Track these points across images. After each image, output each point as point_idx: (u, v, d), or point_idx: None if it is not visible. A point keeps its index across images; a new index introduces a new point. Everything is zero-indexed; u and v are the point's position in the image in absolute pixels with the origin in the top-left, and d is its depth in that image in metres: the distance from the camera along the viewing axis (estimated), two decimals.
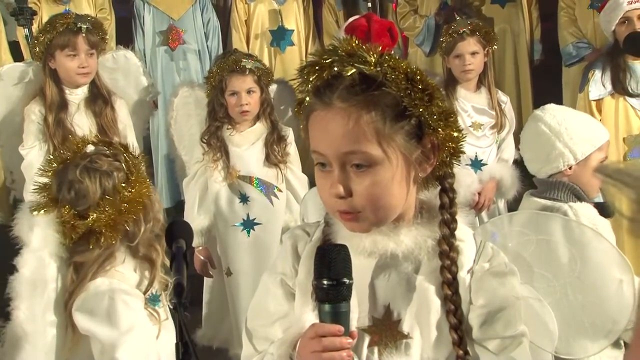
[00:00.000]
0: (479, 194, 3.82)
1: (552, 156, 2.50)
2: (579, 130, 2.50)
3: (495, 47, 4.09)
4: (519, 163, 3.74)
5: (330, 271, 1.30)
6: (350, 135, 1.33)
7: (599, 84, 4.01)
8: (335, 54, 1.35)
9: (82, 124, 3.57)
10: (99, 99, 3.63)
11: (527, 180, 3.26)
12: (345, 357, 1.30)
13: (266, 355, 1.44)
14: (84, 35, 3.48)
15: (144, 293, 2.12)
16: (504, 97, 4.07)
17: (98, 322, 2.02)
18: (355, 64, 1.33)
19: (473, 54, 3.85)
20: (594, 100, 4.05)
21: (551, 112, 2.53)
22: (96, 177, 2.08)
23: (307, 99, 1.40)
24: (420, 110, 1.35)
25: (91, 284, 2.06)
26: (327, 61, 1.35)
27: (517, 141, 3.79)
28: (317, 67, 1.37)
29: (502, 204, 4.00)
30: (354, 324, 1.39)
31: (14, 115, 3.60)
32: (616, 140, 4.04)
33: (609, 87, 4.00)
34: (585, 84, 4.08)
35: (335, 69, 1.35)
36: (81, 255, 2.08)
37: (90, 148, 2.15)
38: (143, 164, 2.21)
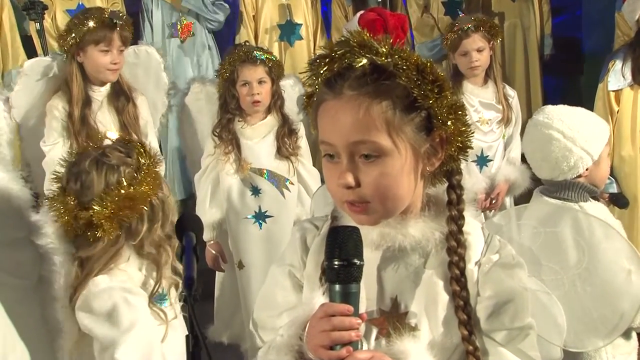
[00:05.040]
0: (488, 195, 3.84)
1: (572, 162, 2.45)
2: (589, 130, 2.47)
3: (500, 40, 4.07)
4: (524, 157, 3.75)
5: (342, 252, 1.31)
6: (360, 124, 1.33)
7: (618, 75, 3.98)
8: (347, 45, 1.35)
9: (105, 121, 3.56)
10: (122, 95, 3.62)
11: (535, 177, 3.26)
12: (354, 337, 1.30)
13: (277, 337, 1.43)
14: (118, 31, 3.48)
15: (151, 293, 2.10)
16: (511, 92, 4.07)
17: (98, 321, 2.01)
18: (367, 55, 1.34)
19: (479, 50, 3.85)
20: (613, 91, 4.03)
21: (557, 117, 2.48)
22: (102, 169, 2.08)
23: (317, 90, 1.41)
24: (430, 102, 1.35)
25: (91, 281, 2.06)
26: (338, 53, 1.36)
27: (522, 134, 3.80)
28: (328, 59, 1.37)
29: (508, 199, 4.01)
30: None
31: (36, 109, 3.59)
32: (632, 132, 4.04)
33: (628, 78, 3.97)
34: (605, 74, 4.05)
35: (347, 60, 1.35)
36: (85, 250, 2.08)
37: (108, 142, 2.17)
38: (159, 165, 2.20)
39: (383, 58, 1.33)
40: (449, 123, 1.37)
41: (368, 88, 1.34)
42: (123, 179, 2.07)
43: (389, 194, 1.37)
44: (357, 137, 1.34)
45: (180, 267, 2.12)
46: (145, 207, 2.09)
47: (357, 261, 1.31)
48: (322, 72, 1.38)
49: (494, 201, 3.88)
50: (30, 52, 4.99)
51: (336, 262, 1.31)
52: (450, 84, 1.41)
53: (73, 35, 3.46)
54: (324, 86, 1.39)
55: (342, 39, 1.37)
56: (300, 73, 1.45)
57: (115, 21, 3.47)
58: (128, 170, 2.09)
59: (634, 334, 2.42)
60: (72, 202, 2.07)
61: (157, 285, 2.11)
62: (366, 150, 1.35)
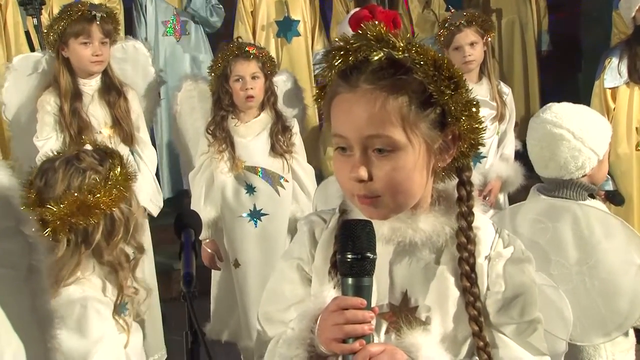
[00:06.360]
0: (480, 192, 3.83)
1: (580, 162, 2.43)
2: (596, 131, 2.46)
3: (494, 35, 4.07)
4: (520, 154, 3.75)
5: (355, 245, 1.30)
6: (376, 118, 1.33)
7: (614, 72, 3.99)
8: (364, 38, 1.34)
9: (97, 114, 3.59)
10: (113, 89, 3.65)
11: (529, 173, 3.26)
12: (367, 330, 1.30)
13: (287, 330, 1.43)
14: (98, 23, 3.51)
15: (115, 304, 2.07)
16: (505, 89, 4.06)
17: (68, 331, 1.93)
18: (384, 49, 1.33)
19: (472, 44, 3.84)
20: (609, 89, 4.03)
21: (567, 116, 2.45)
22: (69, 171, 2.05)
23: (330, 82, 1.40)
24: (446, 98, 1.34)
25: (64, 290, 2.02)
26: (354, 45, 1.35)
27: (521, 131, 3.79)
28: (343, 52, 1.36)
29: (502, 197, 4.01)
30: None
31: (26, 105, 3.61)
32: (628, 130, 4.05)
33: (625, 75, 3.98)
34: (601, 71, 4.06)
35: (363, 53, 1.34)
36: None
37: (87, 147, 2.14)
38: (132, 180, 2.15)
39: (400, 52, 1.33)
40: (462, 120, 1.37)
41: (385, 82, 1.33)
42: (85, 184, 2.03)
43: (400, 188, 1.37)
44: (372, 131, 1.33)
45: (138, 281, 2.14)
46: (100, 218, 2.04)
47: (370, 255, 1.31)
48: (336, 64, 1.37)
49: (486, 198, 3.87)
50: (30, 48, 4.99)
51: (349, 256, 1.30)
52: (465, 80, 1.40)
53: (54, 30, 3.51)
54: (338, 78, 1.38)
55: (359, 31, 1.36)
56: (314, 64, 1.43)
57: (94, 14, 3.51)
58: (94, 177, 2.05)
59: (631, 331, 2.44)
60: (32, 197, 2.03)
61: (120, 296, 2.09)
62: (380, 144, 1.34)
